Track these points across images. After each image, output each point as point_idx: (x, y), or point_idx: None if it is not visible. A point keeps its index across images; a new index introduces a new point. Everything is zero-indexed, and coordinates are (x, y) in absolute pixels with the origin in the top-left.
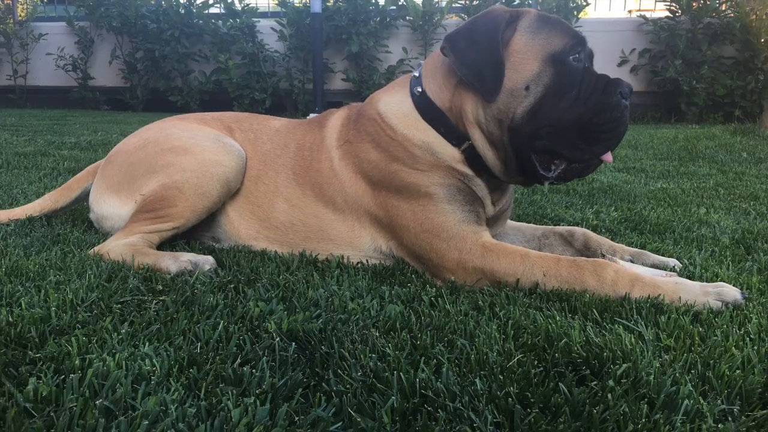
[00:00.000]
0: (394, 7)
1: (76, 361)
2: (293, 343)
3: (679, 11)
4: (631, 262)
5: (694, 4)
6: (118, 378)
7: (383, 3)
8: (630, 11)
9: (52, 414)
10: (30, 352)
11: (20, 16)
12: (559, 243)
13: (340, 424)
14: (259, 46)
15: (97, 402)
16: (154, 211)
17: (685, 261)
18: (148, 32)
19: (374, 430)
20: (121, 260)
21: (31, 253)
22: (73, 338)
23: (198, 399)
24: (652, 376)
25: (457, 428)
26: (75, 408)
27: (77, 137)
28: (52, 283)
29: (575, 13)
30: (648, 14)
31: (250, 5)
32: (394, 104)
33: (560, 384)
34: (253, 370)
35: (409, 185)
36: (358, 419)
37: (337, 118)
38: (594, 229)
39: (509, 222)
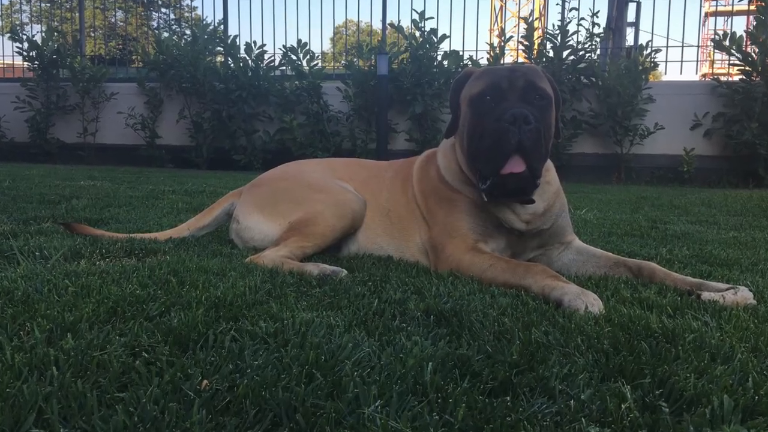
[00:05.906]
0: (459, 69)
1: (284, 314)
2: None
3: (754, 74)
4: (689, 292)
5: None
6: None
7: (447, 64)
8: (704, 75)
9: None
10: (244, 311)
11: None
12: (627, 274)
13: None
14: (324, 107)
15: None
16: (298, 230)
17: (749, 283)
18: (216, 93)
19: None
20: (272, 266)
21: (203, 259)
22: (268, 305)
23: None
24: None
25: None
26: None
27: (171, 186)
28: (233, 276)
29: (643, 76)
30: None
31: (317, 67)
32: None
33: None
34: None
35: (444, 198)
36: None
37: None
38: (667, 262)
39: (590, 248)
